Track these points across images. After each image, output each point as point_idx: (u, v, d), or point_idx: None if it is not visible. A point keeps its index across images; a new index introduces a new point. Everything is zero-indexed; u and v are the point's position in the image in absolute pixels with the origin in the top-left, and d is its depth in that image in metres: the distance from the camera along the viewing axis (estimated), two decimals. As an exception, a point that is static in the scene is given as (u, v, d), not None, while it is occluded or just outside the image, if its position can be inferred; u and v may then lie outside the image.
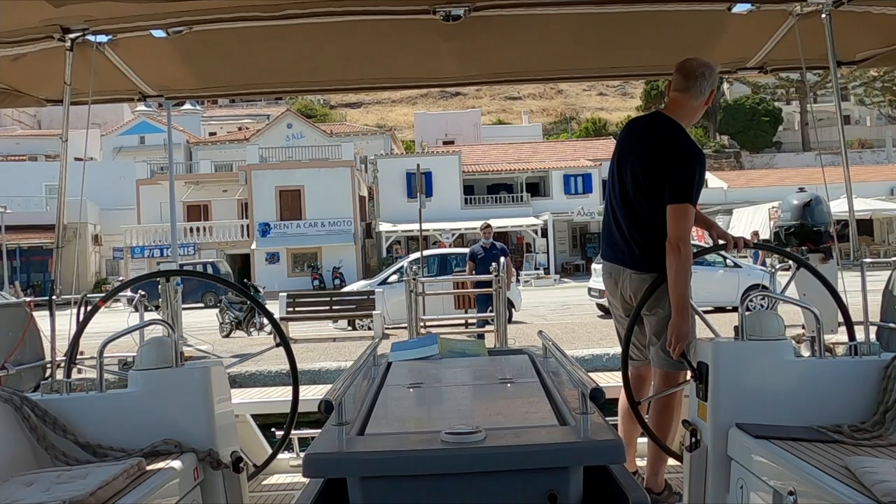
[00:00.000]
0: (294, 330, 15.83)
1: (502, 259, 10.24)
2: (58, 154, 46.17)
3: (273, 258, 38.74)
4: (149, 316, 3.90)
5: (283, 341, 3.27)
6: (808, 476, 2.20)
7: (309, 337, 15.43)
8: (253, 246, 38.53)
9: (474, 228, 38.48)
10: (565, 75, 4.54)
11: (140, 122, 48.81)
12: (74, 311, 3.32)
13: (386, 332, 14.71)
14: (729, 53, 4.02)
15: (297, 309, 15.50)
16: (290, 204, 39.34)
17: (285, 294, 15.77)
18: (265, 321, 15.99)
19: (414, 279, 9.05)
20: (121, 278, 34.83)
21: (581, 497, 1.97)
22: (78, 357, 3.18)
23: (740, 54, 4.06)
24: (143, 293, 3.74)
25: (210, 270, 27.56)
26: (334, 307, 15.97)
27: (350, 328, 16.71)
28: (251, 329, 16.59)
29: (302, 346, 13.40)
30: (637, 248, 3.40)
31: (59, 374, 3.15)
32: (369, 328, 15.57)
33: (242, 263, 38.55)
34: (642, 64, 4.31)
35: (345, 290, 19.60)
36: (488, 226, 13.10)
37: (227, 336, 16.52)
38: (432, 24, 3.29)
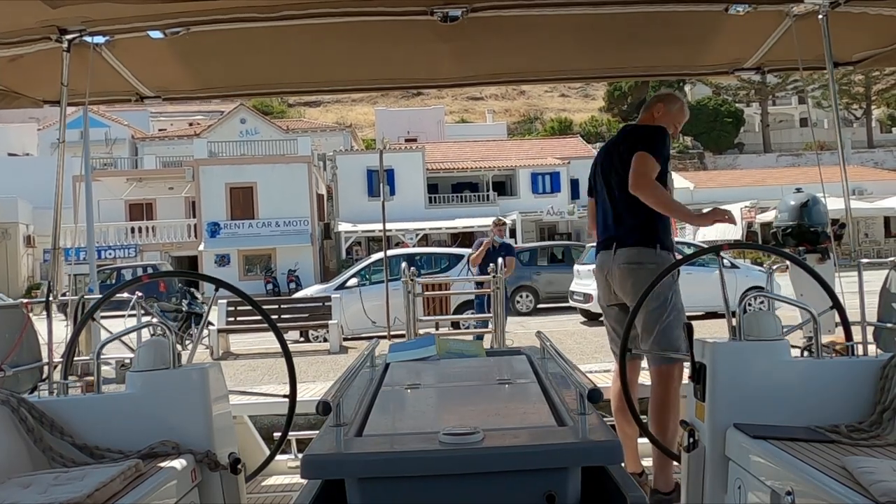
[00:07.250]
0: (235, 343, 14.24)
1: (500, 260, 9.51)
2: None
3: (223, 260, 37.79)
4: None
5: (282, 344, 3.35)
6: (805, 476, 2.27)
7: (252, 352, 13.12)
8: (201, 247, 37.61)
9: (439, 229, 38.41)
10: (562, 76, 4.70)
11: (81, 115, 47.34)
12: (70, 312, 3.38)
13: (345, 345, 13.56)
14: (726, 54, 4.21)
15: (238, 319, 13.69)
16: (242, 202, 38.40)
17: (225, 301, 13.85)
18: (202, 332, 14.31)
19: (412, 279, 9.01)
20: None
21: (579, 497, 2.07)
22: (75, 359, 3.24)
23: (737, 55, 4.22)
24: (140, 294, 3.82)
25: (150, 275, 26.70)
26: (283, 316, 14.13)
27: (302, 340, 15.24)
28: (187, 341, 14.67)
29: (242, 364, 11.72)
30: (624, 228, 3.86)
31: (56, 376, 3.21)
32: (325, 339, 14.12)
33: (190, 266, 37.51)
34: (639, 64, 4.49)
35: (296, 295, 18.08)
36: (503, 223, 11.16)
37: None
38: (430, 25, 3.41)
